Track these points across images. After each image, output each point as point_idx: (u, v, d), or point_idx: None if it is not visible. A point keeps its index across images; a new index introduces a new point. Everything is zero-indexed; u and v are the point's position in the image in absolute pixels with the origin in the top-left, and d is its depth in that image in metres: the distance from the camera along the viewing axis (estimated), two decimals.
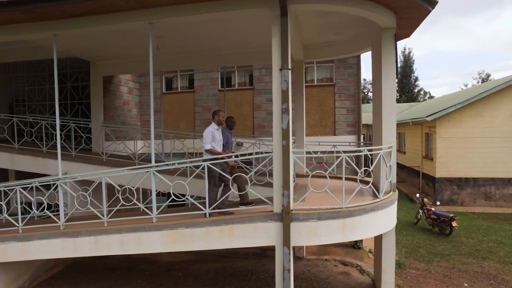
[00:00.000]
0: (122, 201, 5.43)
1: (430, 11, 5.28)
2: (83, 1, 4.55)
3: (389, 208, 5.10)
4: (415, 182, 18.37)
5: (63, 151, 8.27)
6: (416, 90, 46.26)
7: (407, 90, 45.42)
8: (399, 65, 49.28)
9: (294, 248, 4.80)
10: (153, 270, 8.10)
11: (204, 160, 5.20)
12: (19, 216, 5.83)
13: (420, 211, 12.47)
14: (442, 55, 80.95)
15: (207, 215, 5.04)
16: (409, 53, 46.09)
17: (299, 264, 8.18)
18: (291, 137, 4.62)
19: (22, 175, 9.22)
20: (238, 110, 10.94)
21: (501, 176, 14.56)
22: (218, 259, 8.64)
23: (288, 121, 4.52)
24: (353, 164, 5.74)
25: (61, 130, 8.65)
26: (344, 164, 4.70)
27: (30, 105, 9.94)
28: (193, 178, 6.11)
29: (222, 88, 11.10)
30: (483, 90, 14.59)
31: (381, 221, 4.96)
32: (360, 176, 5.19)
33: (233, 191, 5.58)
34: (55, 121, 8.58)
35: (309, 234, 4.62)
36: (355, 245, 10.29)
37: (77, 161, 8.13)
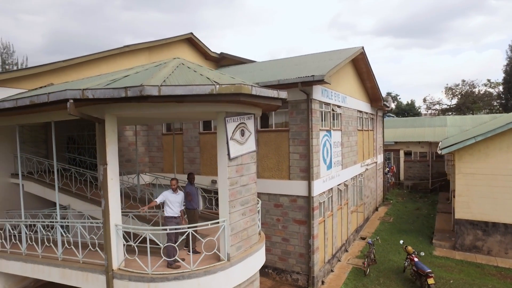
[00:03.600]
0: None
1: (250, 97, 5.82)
2: None
3: (203, 278, 5.83)
4: None
5: (68, 187, 11.29)
6: None
7: None
8: (505, 62, 40.39)
9: None
10: None
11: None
12: (23, 245, 8.58)
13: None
14: None
15: (80, 262, 6.83)
16: None
17: None
18: (115, 215, 5.97)
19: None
20: (214, 151, 12.25)
21: None
22: None
23: (105, 204, 5.90)
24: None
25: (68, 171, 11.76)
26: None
27: (69, 146, 13.59)
28: None
29: (202, 131, 12.66)
30: None
31: None
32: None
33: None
34: (63, 164, 11.80)
35: None
36: None
37: (74, 197, 10.91)
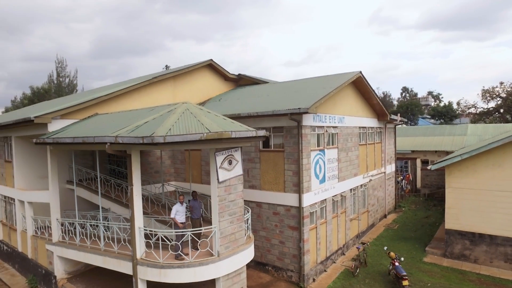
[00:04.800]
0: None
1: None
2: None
3: (198, 268, 8.10)
4: None
5: (109, 194, 14.14)
6: None
7: None
8: None
9: (146, 280, 8.55)
10: None
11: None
12: (77, 238, 11.60)
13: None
14: None
15: (116, 252, 9.42)
16: None
17: None
18: (138, 220, 8.43)
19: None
20: None
21: None
22: None
23: (131, 213, 8.37)
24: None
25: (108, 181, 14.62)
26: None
27: (110, 159, 16.63)
28: None
29: None
30: (501, 138, 13.02)
31: (187, 275, 8.07)
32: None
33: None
34: (105, 174, 14.70)
35: (145, 274, 8.34)
36: (299, 284, 12.35)
37: (113, 202, 13.73)
